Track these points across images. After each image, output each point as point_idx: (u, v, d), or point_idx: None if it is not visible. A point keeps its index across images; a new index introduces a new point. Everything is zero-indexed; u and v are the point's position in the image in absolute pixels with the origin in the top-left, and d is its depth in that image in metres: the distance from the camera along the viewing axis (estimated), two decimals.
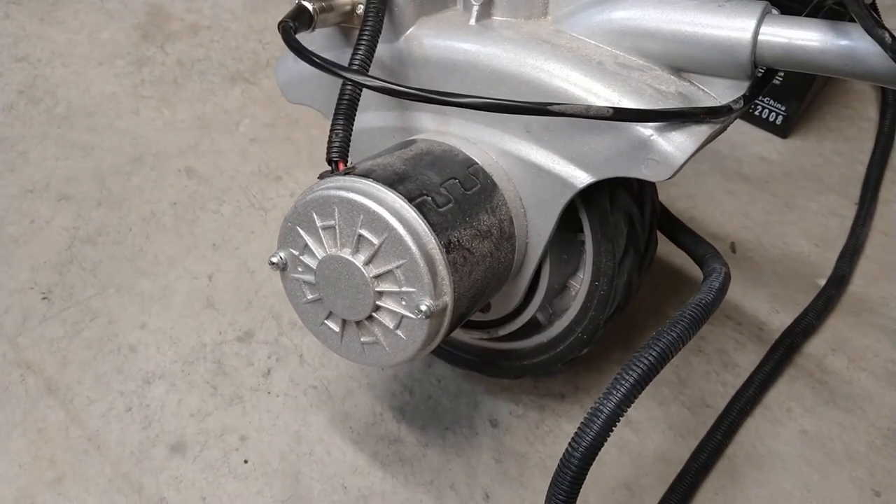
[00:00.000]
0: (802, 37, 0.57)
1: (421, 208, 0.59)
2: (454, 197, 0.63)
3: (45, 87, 1.17)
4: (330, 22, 0.65)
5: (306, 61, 0.60)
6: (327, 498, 0.75)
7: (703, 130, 0.59)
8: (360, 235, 0.58)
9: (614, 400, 0.56)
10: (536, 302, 0.74)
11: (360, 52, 0.61)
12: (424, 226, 0.58)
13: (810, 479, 0.78)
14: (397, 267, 0.58)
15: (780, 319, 0.92)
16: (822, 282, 0.96)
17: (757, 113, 1.14)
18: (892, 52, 0.52)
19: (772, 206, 1.06)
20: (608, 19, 0.64)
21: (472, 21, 0.65)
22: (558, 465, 0.57)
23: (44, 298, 0.91)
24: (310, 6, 0.63)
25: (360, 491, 0.75)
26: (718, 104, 0.60)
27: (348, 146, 0.60)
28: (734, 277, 0.69)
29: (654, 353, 0.57)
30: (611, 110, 0.56)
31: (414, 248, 0.57)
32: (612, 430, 0.56)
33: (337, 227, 0.59)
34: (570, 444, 0.56)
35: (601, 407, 0.56)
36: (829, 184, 1.09)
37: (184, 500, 0.74)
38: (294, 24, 0.62)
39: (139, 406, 0.81)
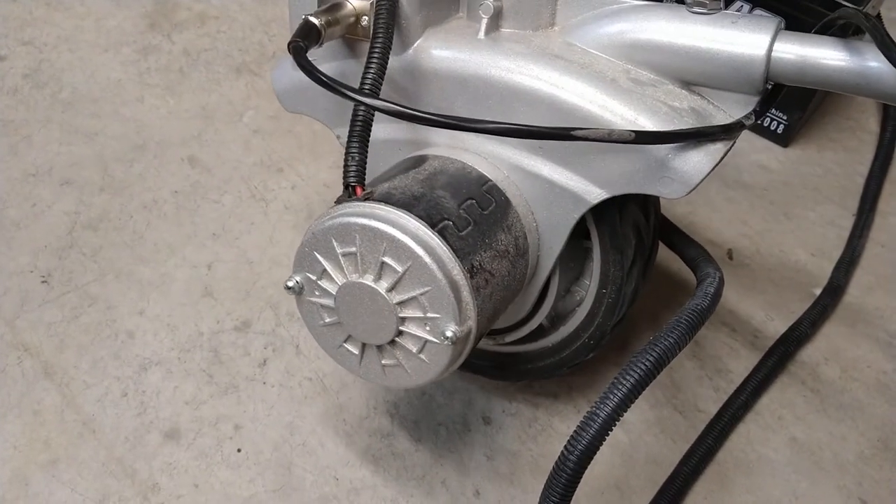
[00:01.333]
0: (816, 54, 0.58)
1: (443, 234, 0.59)
2: (473, 219, 0.62)
3: (50, 72, 1.18)
4: (336, 35, 0.65)
5: (320, 84, 0.59)
6: (319, 489, 0.75)
7: (719, 149, 0.60)
8: (384, 263, 0.58)
9: (611, 404, 0.56)
10: (545, 310, 0.74)
11: (371, 72, 0.59)
12: (448, 252, 0.58)
13: (798, 487, 0.78)
14: (422, 294, 0.58)
15: (774, 327, 0.93)
16: (818, 291, 0.97)
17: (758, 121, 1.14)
18: None
19: (770, 214, 1.06)
20: (619, 32, 0.64)
21: (482, 34, 0.65)
22: (553, 468, 0.57)
23: (43, 282, 0.92)
24: (316, 22, 0.62)
25: (352, 483, 0.76)
26: (731, 121, 0.61)
27: (365, 170, 0.59)
28: (730, 284, 0.70)
29: (651, 358, 0.57)
30: (632, 134, 0.56)
31: (440, 275, 0.57)
32: (608, 434, 0.56)
33: (359, 254, 0.59)
34: (565, 446, 0.57)
35: (598, 410, 0.56)
36: (828, 194, 1.10)
37: (176, 487, 0.75)
38: (305, 43, 0.61)
39: (135, 392, 0.82)
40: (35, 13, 1.27)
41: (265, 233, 1.00)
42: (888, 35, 0.54)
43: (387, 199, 0.60)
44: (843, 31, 0.64)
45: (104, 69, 1.19)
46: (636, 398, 0.57)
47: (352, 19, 0.65)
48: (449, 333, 0.58)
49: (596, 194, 0.63)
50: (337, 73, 0.60)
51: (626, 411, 0.57)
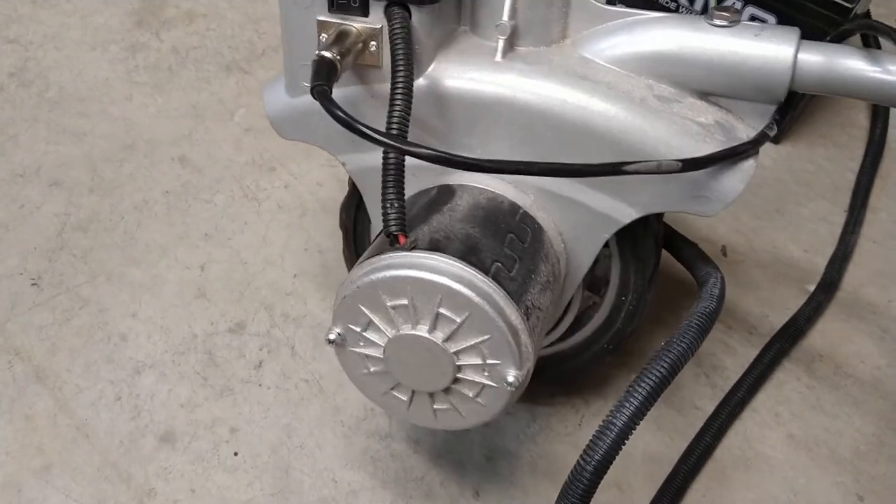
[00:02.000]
0: (838, 64, 0.59)
1: (497, 279, 0.57)
2: (517, 255, 0.61)
3: (36, 71, 1.16)
4: (348, 66, 0.61)
5: (360, 135, 0.55)
6: (317, 492, 0.75)
7: (751, 165, 0.60)
8: (439, 314, 0.57)
9: (627, 413, 0.55)
10: (566, 323, 0.74)
11: (397, 112, 0.56)
12: (506, 297, 0.57)
13: (796, 483, 0.79)
14: (481, 342, 0.57)
15: (769, 323, 0.93)
16: (812, 287, 0.97)
17: None
18: None
19: (763, 210, 1.07)
20: (637, 46, 0.63)
21: (499, 56, 0.62)
22: (569, 477, 0.56)
23: (33, 285, 0.90)
24: (331, 56, 0.58)
25: (350, 486, 0.75)
26: (755, 133, 0.61)
27: (405, 216, 0.56)
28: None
29: (665, 364, 0.56)
30: (679, 164, 0.57)
31: (500, 322, 0.56)
32: (624, 443, 0.55)
33: (411, 306, 0.57)
34: (582, 456, 0.56)
35: (614, 419, 0.55)
36: (820, 190, 1.10)
37: (172, 492, 0.74)
38: (328, 86, 0.57)
39: (129, 395, 0.81)
40: (20, 10, 1.25)
41: (258, 232, 0.99)
42: None
43: (435, 247, 0.58)
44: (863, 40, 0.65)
45: (91, 67, 1.18)
46: (652, 406, 0.56)
47: (359, 46, 0.61)
48: (511, 379, 0.57)
49: (628, 214, 0.63)
50: (343, 101, 0.57)
51: (642, 419, 0.56)
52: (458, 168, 0.56)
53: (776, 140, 1.15)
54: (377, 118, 0.61)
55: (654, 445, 0.81)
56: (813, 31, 1.02)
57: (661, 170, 0.57)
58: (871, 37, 0.70)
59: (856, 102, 1.22)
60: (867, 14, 1.18)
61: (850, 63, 0.59)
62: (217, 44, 1.23)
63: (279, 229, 0.99)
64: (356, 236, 0.81)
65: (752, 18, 1.05)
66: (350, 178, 0.74)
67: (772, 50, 0.60)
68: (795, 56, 0.59)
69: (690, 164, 0.57)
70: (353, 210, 0.79)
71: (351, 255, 0.83)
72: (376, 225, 0.72)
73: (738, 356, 0.89)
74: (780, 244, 1.03)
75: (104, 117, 1.11)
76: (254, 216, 1.01)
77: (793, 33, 0.60)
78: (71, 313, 0.88)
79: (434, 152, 0.55)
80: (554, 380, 0.81)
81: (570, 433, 0.81)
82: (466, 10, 0.65)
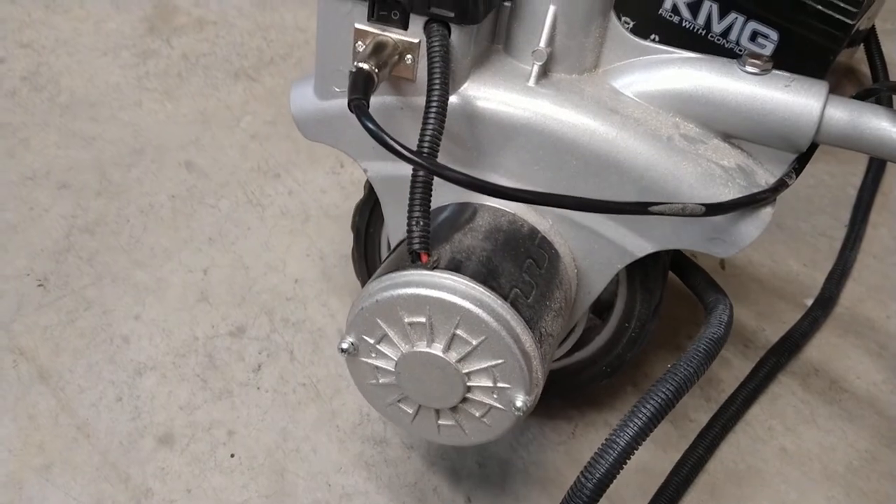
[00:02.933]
0: (863, 122, 0.60)
1: (515, 305, 0.58)
2: (535, 281, 0.62)
3: (48, 75, 1.18)
4: (384, 78, 0.60)
5: (389, 149, 0.55)
6: (311, 495, 0.76)
7: (768, 212, 0.62)
8: (455, 335, 0.58)
9: (630, 432, 0.56)
10: (569, 344, 0.75)
11: (429, 132, 0.56)
12: (522, 324, 0.58)
13: (787, 497, 0.79)
14: (494, 366, 0.58)
15: (766, 337, 0.94)
16: (809, 301, 0.97)
17: None
18: None
19: None
20: (669, 84, 0.64)
21: (532, 81, 0.63)
22: (568, 494, 0.57)
23: (39, 286, 0.92)
24: (368, 67, 0.58)
25: (344, 489, 0.76)
26: (774, 180, 0.63)
27: (429, 235, 0.57)
28: None
29: (670, 387, 0.58)
30: (703, 208, 0.58)
31: (515, 348, 0.57)
32: (626, 463, 0.56)
33: (429, 325, 0.58)
34: (581, 473, 0.57)
35: (616, 438, 0.56)
36: (821, 205, 1.11)
37: (169, 492, 0.75)
38: (366, 100, 0.57)
39: (129, 396, 0.82)
40: (34, 15, 1.28)
41: (261, 238, 1.00)
42: None
43: (456, 268, 0.59)
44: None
45: (103, 73, 1.20)
46: (655, 427, 0.57)
47: (395, 58, 0.61)
48: (519, 403, 0.58)
49: (643, 248, 0.64)
50: (375, 109, 0.57)
51: (645, 439, 0.57)
52: (491, 195, 0.57)
53: None
54: (408, 129, 0.62)
55: (647, 457, 0.81)
56: (814, 47, 1.03)
57: (685, 213, 0.58)
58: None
59: None
60: (872, 30, 1.19)
61: (876, 123, 0.60)
62: (226, 51, 1.25)
63: (282, 235, 1.01)
64: (367, 239, 0.82)
65: (755, 34, 1.06)
66: (367, 182, 0.75)
67: (800, 104, 0.61)
68: (823, 111, 0.60)
69: (713, 209, 0.59)
70: (367, 214, 0.80)
71: (360, 257, 0.84)
72: (391, 230, 0.74)
73: (733, 369, 0.90)
74: (780, 258, 1.03)
75: (114, 122, 1.13)
76: (257, 221, 1.02)
77: (822, 87, 0.61)
78: (75, 314, 0.90)
79: (465, 177, 0.56)
80: (549, 394, 0.81)
81: (563, 441, 0.82)
82: (502, 30, 0.66)
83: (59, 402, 0.81)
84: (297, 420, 0.82)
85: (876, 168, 1.13)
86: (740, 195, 0.61)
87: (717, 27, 1.09)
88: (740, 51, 1.08)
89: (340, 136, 0.69)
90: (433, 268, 0.59)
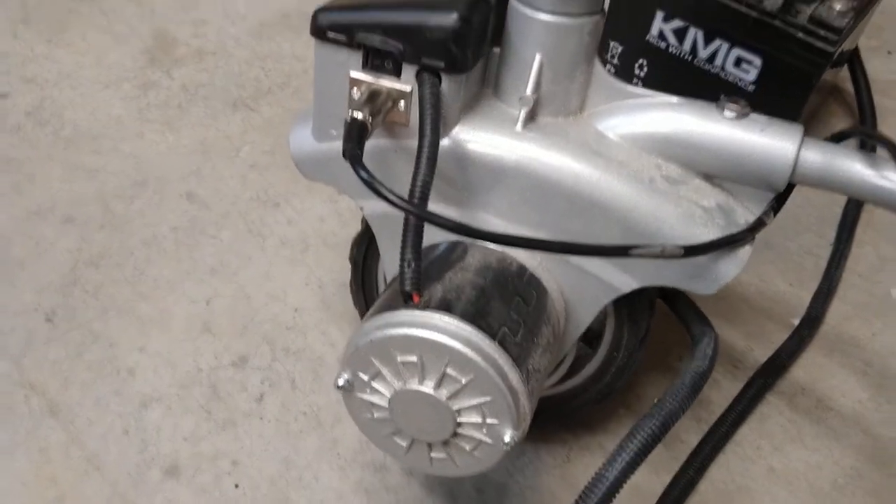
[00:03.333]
0: (836, 164, 0.63)
1: (504, 344, 0.61)
2: (522, 319, 0.65)
3: (52, 109, 1.21)
4: (378, 125, 0.63)
5: (382, 197, 0.58)
6: None
7: (746, 251, 0.65)
8: (446, 373, 0.60)
9: (618, 467, 0.59)
10: (560, 373, 0.78)
11: (420, 180, 0.58)
12: (510, 363, 0.60)
13: None
14: (483, 403, 0.60)
15: (754, 357, 0.96)
16: (797, 321, 1.00)
17: None
18: None
19: None
20: (652, 127, 0.67)
21: (520, 126, 0.65)
22: None
23: (47, 320, 0.95)
24: (363, 117, 0.60)
25: None
26: (753, 219, 0.66)
27: (421, 276, 0.59)
28: (711, 314, 0.73)
29: (657, 423, 0.61)
30: (681, 250, 0.61)
31: (502, 386, 0.59)
32: (615, 496, 0.59)
33: (420, 363, 0.60)
34: None
35: (605, 473, 0.59)
36: (807, 223, 1.13)
37: None
38: (359, 149, 0.59)
39: (136, 429, 0.85)
40: (36, 49, 1.31)
41: (262, 268, 1.03)
42: None
43: (447, 307, 0.62)
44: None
45: (105, 106, 1.23)
46: (643, 461, 0.60)
47: (389, 104, 0.63)
48: (507, 438, 0.61)
49: (629, 284, 0.67)
50: (371, 152, 0.60)
51: (632, 474, 0.60)
52: (478, 239, 0.60)
53: None
54: (402, 170, 0.65)
55: (639, 478, 0.83)
56: (796, 72, 1.05)
57: (664, 255, 0.61)
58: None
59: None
60: (856, 51, 1.21)
61: (848, 165, 0.63)
62: (225, 81, 1.28)
63: (282, 264, 1.03)
64: (364, 270, 0.85)
65: (739, 60, 1.08)
66: (364, 218, 0.78)
67: (776, 147, 0.63)
68: (798, 153, 0.63)
69: (691, 251, 0.62)
70: (364, 247, 0.83)
71: (358, 288, 0.87)
72: (387, 264, 0.77)
73: (722, 390, 0.92)
74: (768, 277, 1.06)
75: (116, 154, 1.16)
76: (258, 252, 1.05)
77: (797, 131, 0.64)
78: (83, 348, 0.92)
79: (455, 223, 0.59)
80: (539, 421, 0.84)
81: (558, 465, 0.85)
82: (491, 74, 0.68)
83: (69, 436, 0.84)
84: (299, 449, 0.84)
85: None
86: (719, 235, 0.63)
87: (703, 52, 1.11)
88: (725, 76, 1.11)
89: (337, 176, 0.72)
90: (424, 308, 0.62)
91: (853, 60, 1.22)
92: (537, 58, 0.65)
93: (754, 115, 0.66)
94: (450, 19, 0.60)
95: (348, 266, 0.86)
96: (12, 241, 1.03)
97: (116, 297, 0.98)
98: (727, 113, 0.65)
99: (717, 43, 1.10)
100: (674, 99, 0.68)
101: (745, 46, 1.07)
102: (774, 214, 0.67)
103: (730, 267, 0.65)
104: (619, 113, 0.68)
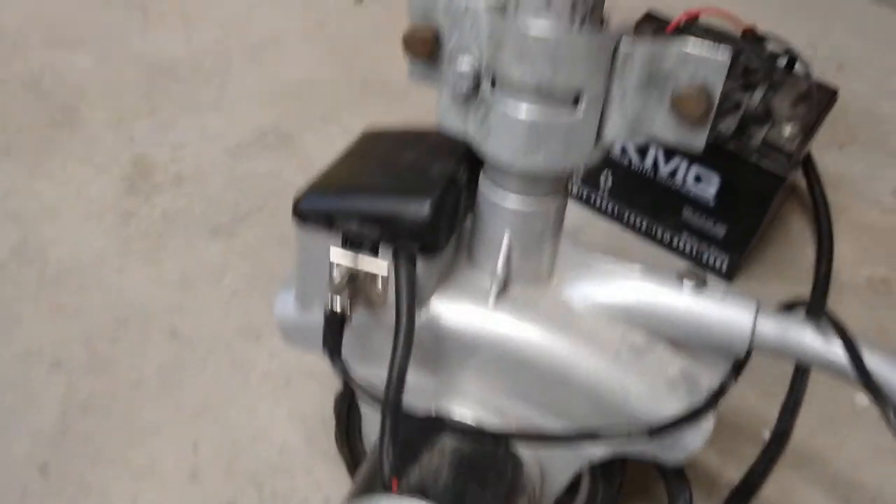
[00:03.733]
0: (791, 337, 0.67)
1: None
2: (497, 495, 0.68)
3: (36, 247, 1.24)
4: (357, 306, 0.67)
5: (357, 391, 0.64)
6: None
7: (710, 423, 0.69)
8: None
9: None
10: None
11: (396, 372, 0.61)
12: None
13: None
14: None
15: (728, 475, 1.00)
16: (767, 433, 1.03)
17: (703, 259, 1.22)
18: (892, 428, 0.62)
19: None
20: (616, 297, 0.71)
21: (491, 302, 0.69)
22: None
23: (41, 473, 0.97)
24: (339, 307, 0.64)
25: None
26: (717, 387, 0.70)
27: (398, 463, 0.62)
28: None
29: None
30: (646, 432, 0.66)
31: None
32: None
33: None
34: None
35: None
36: None
37: None
38: (337, 345, 0.64)
39: None
40: (18, 182, 1.34)
41: (246, 404, 1.06)
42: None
43: (423, 492, 0.65)
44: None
45: (87, 239, 1.26)
46: None
47: (368, 283, 0.67)
48: None
49: (601, 453, 0.71)
50: (349, 328, 0.65)
51: None
52: (454, 431, 0.64)
53: (729, 278, 1.22)
54: (381, 344, 0.68)
55: None
56: (752, 193, 1.10)
57: (630, 435, 0.66)
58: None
59: (803, 239, 1.30)
60: (808, 157, 1.27)
61: (800, 337, 0.67)
62: (203, 206, 1.32)
63: (265, 399, 1.06)
64: (349, 423, 0.89)
65: (698, 177, 1.13)
66: None
67: (733, 319, 0.68)
68: (754, 325, 0.67)
69: (656, 430, 0.66)
70: (345, 405, 0.87)
71: (342, 438, 0.91)
72: (367, 427, 0.80)
73: None
74: (736, 391, 1.08)
75: (99, 290, 1.19)
76: (242, 387, 1.08)
77: (751, 303, 0.68)
78: (77, 501, 0.94)
79: (429, 420, 0.63)
80: None
81: None
82: (465, 243, 0.73)
83: None
84: None
85: (820, 293, 1.20)
86: (684, 404, 0.67)
87: (664, 169, 1.16)
88: (686, 191, 1.15)
89: (320, 346, 0.75)
90: (402, 494, 0.65)
91: (806, 162, 1.27)
92: (506, 236, 0.69)
93: (713, 286, 0.70)
94: (423, 209, 0.64)
95: (331, 398, 0.89)
96: (4, 389, 1.06)
97: (106, 446, 1.01)
98: (686, 283, 0.70)
99: (676, 161, 1.15)
100: (637, 268, 0.72)
101: (704, 164, 1.12)
102: (737, 378, 0.71)
103: (695, 438, 0.69)
104: (586, 282, 0.72)
